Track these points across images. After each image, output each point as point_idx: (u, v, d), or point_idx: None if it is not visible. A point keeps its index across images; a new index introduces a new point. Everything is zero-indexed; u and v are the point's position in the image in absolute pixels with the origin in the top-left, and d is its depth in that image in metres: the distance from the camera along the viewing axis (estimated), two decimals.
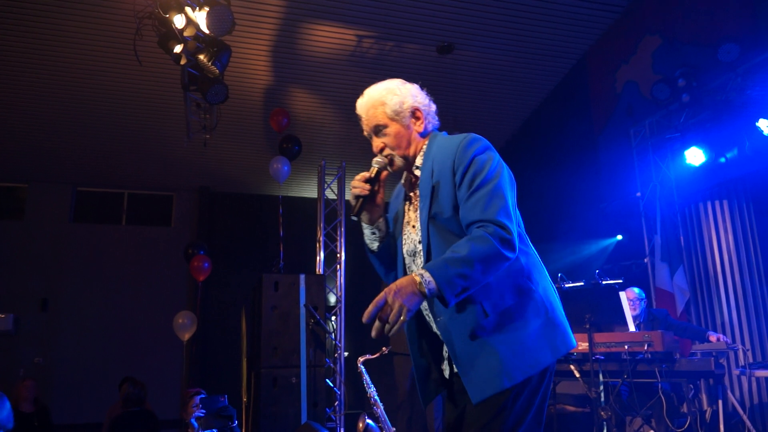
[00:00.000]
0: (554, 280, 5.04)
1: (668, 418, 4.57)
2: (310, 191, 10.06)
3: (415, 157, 1.95)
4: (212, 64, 4.80)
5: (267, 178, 8.06)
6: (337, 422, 6.82)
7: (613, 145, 7.17)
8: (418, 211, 1.87)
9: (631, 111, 6.85)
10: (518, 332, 1.71)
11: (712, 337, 5.04)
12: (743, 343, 5.72)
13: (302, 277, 6.10)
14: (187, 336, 8.17)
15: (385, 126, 1.94)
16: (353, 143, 8.85)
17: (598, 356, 4.52)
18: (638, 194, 6.67)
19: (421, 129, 1.96)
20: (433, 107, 2.03)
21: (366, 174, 1.91)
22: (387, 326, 1.65)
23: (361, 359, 5.47)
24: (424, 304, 1.86)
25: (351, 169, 9.00)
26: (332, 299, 7.71)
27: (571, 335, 1.81)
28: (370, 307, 1.67)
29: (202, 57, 4.80)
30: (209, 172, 9.70)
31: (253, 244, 10.04)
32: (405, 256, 1.94)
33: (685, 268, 6.19)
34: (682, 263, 6.18)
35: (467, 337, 1.70)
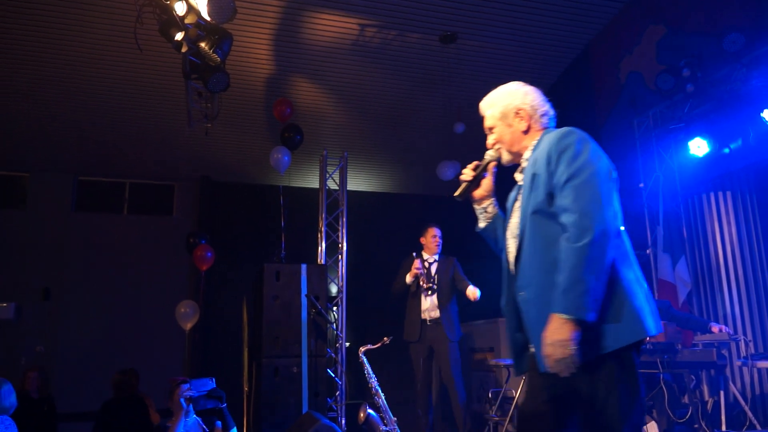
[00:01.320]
0: None
1: (670, 409, 4.58)
2: (312, 181, 10.04)
3: (523, 151, 2.19)
4: (213, 52, 4.77)
5: (269, 167, 8.03)
6: (339, 412, 6.84)
7: (616, 136, 7.13)
8: (520, 200, 2.10)
9: (635, 101, 6.81)
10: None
11: (714, 328, 5.03)
12: (745, 334, 5.71)
13: (304, 267, 6.09)
14: (189, 325, 8.18)
15: (493, 126, 2.24)
16: (355, 133, 8.82)
17: None
18: (641, 185, 6.65)
19: (524, 127, 2.18)
20: (545, 108, 2.24)
21: (477, 162, 2.25)
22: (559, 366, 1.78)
23: (362, 349, 5.48)
24: (507, 276, 2.11)
25: (353, 159, 9.00)
26: (334, 289, 7.71)
27: (649, 323, 1.84)
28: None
29: (203, 45, 4.76)
30: (210, 161, 9.68)
31: (255, 233, 10.03)
32: (508, 238, 2.15)
33: (687, 259, 6.18)
34: (684, 254, 6.17)
35: (542, 312, 1.83)
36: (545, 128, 2.21)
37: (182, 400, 3.82)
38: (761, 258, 5.84)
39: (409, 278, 5.99)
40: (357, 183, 10.58)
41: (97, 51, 6.88)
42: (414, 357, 5.82)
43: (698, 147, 6.04)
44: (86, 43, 6.75)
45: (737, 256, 5.97)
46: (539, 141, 2.14)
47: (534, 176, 1.99)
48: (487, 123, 2.27)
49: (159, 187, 10.48)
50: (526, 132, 2.19)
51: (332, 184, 7.59)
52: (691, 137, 6.07)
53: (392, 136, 9.04)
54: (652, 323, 1.85)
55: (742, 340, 5.44)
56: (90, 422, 6.11)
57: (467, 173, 2.25)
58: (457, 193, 2.27)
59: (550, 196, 1.92)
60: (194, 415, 3.88)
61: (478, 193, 2.30)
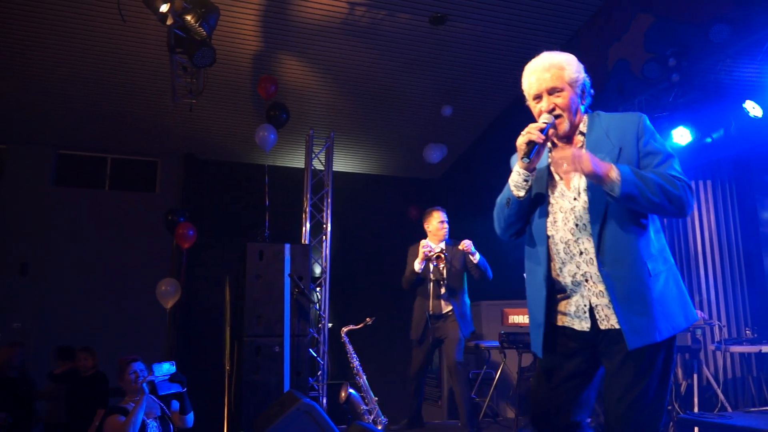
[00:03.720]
0: None
1: None
2: (298, 161, 9.99)
3: (577, 126, 2.17)
4: (200, 26, 4.70)
5: (254, 146, 7.98)
6: (320, 391, 6.88)
7: None
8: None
9: (622, 89, 6.85)
10: (669, 298, 2.01)
11: None
12: (720, 320, 5.85)
13: (287, 246, 6.08)
14: (170, 303, 8.14)
15: (561, 90, 2.13)
16: (342, 113, 8.78)
17: None
18: None
19: (584, 104, 2.19)
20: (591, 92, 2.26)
21: (540, 125, 2.07)
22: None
23: (344, 330, 5.52)
24: (568, 251, 2.09)
25: (339, 139, 8.96)
26: (317, 270, 7.72)
27: (693, 308, 2.13)
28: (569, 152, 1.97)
29: (189, 18, 4.68)
30: (195, 138, 9.58)
31: (239, 212, 9.98)
32: (556, 212, 2.14)
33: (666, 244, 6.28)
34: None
35: (633, 288, 1.95)
36: (587, 112, 2.23)
37: (144, 385, 3.80)
38: (738, 246, 5.96)
39: (418, 265, 5.23)
40: (343, 164, 10.56)
41: (79, 21, 6.74)
42: (415, 352, 5.31)
43: (681, 136, 6.10)
44: (67, 13, 6.61)
45: (715, 243, 6.08)
46: (592, 118, 2.19)
47: (620, 150, 2.04)
48: (553, 83, 2.14)
49: (142, 163, 10.36)
50: (580, 111, 2.19)
51: (318, 164, 7.57)
52: (675, 126, 6.14)
53: (379, 117, 9.01)
54: (694, 310, 2.14)
55: (717, 326, 5.56)
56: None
57: (537, 134, 2.04)
58: (524, 155, 2.04)
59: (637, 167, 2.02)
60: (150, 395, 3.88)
61: (535, 160, 2.14)
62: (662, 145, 2.06)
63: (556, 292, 2.13)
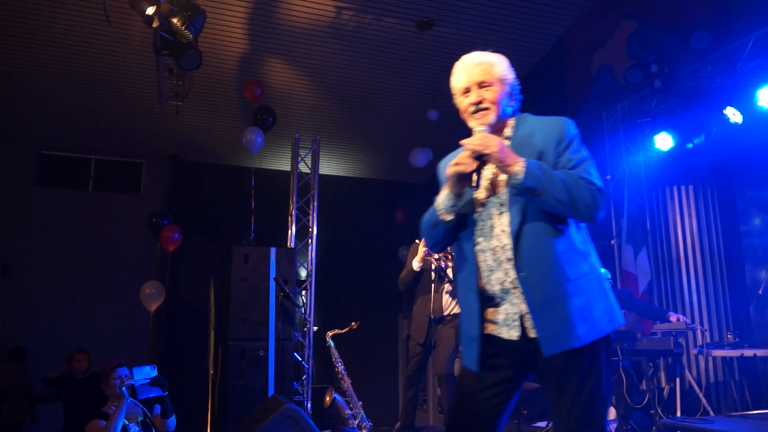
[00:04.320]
0: None
1: (627, 395, 4.71)
2: (284, 164, 9.97)
3: (503, 129, 2.13)
4: (186, 29, 4.68)
5: (240, 148, 7.96)
6: (305, 396, 6.87)
7: (585, 128, 7.21)
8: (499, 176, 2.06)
9: (605, 95, 6.93)
10: (590, 304, 1.95)
11: (672, 318, 5.19)
12: (702, 324, 5.91)
13: (273, 250, 6.06)
14: (154, 306, 8.09)
15: (491, 84, 2.09)
16: (329, 117, 8.78)
17: None
18: (608, 177, 6.78)
19: (513, 105, 2.16)
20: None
21: (476, 146, 1.96)
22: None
23: (329, 334, 5.51)
24: (496, 258, 2.02)
25: (326, 142, 8.96)
26: (303, 273, 7.71)
27: (621, 314, 2.07)
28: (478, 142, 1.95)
29: (175, 20, 4.66)
30: (180, 140, 9.53)
31: (224, 215, 9.93)
32: (484, 220, 2.08)
33: (649, 250, 6.35)
34: (646, 245, 6.33)
35: (549, 293, 1.92)
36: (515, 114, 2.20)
37: (124, 389, 3.77)
38: (719, 251, 6.03)
39: (417, 263, 4.99)
40: (329, 167, 10.55)
41: (64, 21, 6.69)
42: (414, 350, 5.15)
43: (663, 141, 6.18)
44: (52, 12, 6.56)
45: (697, 248, 6.15)
46: (519, 120, 2.15)
47: (541, 154, 2.02)
48: (483, 76, 2.09)
49: (126, 164, 10.28)
50: (508, 113, 2.15)
51: (304, 168, 7.56)
52: (657, 132, 6.21)
53: (365, 121, 9.02)
54: (622, 314, 2.08)
55: (699, 330, 5.62)
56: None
57: (465, 163, 1.98)
58: (473, 184, 1.99)
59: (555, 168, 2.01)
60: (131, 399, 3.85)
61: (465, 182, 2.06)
62: (580, 149, 2.05)
63: (485, 301, 2.08)
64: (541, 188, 1.88)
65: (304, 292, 7.25)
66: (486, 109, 2.07)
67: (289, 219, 7.31)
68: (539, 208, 1.96)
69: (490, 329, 2.05)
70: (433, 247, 2.24)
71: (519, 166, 1.89)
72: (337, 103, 8.45)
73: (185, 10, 4.70)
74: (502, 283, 2.01)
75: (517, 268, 1.96)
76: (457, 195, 2.07)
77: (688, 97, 5.86)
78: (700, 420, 4.51)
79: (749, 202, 5.86)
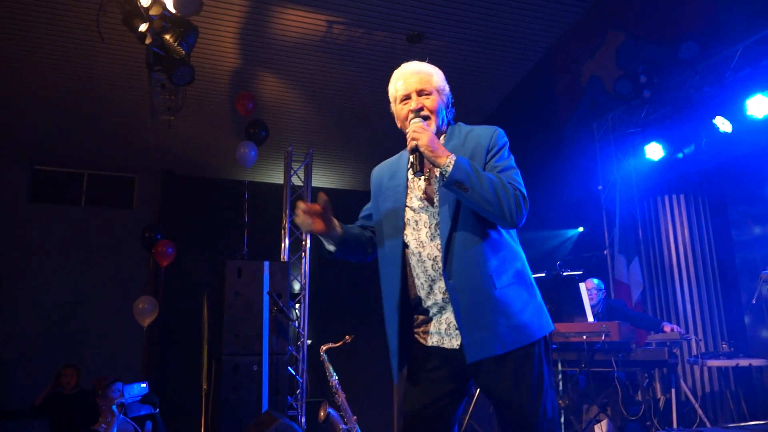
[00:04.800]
0: None
1: (623, 407, 4.71)
2: (277, 177, 9.96)
3: (439, 137, 2.09)
4: (179, 45, 4.69)
5: (232, 162, 7.95)
6: (299, 410, 6.82)
7: (577, 138, 7.29)
8: (434, 186, 2.06)
9: (595, 105, 6.97)
10: (517, 310, 1.95)
11: (666, 328, 5.19)
12: (696, 334, 5.90)
13: (266, 264, 6.04)
14: (147, 321, 8.04)
15: (430, 93, 2.11)
16: (321, 130, 8.80)
17: (557, 345, 4.62)
18: (600, 187, 6.81)
19: (448, 117, 2.18)
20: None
21: (416, 126, 2.00)
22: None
23: (323, 348, 5.48)
24: (437, 267, 1.99)
25: (318, 155, 8.96)
26: (296, 287, 7.69)
27: (551, 320, 2.09)
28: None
29: (168, 37, 4.67)
30: (173, 154, 9.51)
31: (217, 229, 9.91)
32: (420, 228, 2.05)
33: (641, 260, 6.36)
34: (638, 255, 6.34)
35: (475, 300, 1.92)
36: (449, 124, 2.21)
37: (114, 407, 3.74)
38: (712, 260, 6.04)
39: None
40: (322, 180, 10.55)
41: (57, 37, 6.70)
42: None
43: (654, 151, 6.21)
44: (46, 28, 6.57)
45: (689, 257, 6.16)
46: (452, 130, 2.16)
47: (470, 158, 2.00)
48: (422, 85, 2.11)
49: (119, 179, 10.25)
50: (445, 123, 2.16)
51: (297, 181, 7.57)
52: (648, 141, 6.24)
53: (358, 133, 9.04)
54: (550, 320, 2.09)
55: (693, 340, 5.62)
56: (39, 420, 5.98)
57: (419, 131, 1.98)
58: (416, 171, 1.98)
59: None
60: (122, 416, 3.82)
61: (321, 224, 2.08)
62: (508, 157, 2.07)
63: (422, 312, 2.06)
64: (469, 183, 1.87)
65: (297, 306, 7.23)
66: (426, 117, 2.07)
67: (282, 232, 7.30)
68: (470, 213, 1.96)
69: (431, 340, 2.03)
70: (361, 260, 2.27)
71: (448, 159, 1.89)
72: (329, 116, 8.47)
73: (178, 26, 4.72)
74: (444, 292, 1.99)
75: (447, 274, 1.96)
76: (322, 237, 2.11)
77: (678, 107, 5.90)
78: (696, 431, 4.50)
79: (740, 211, 5.89)
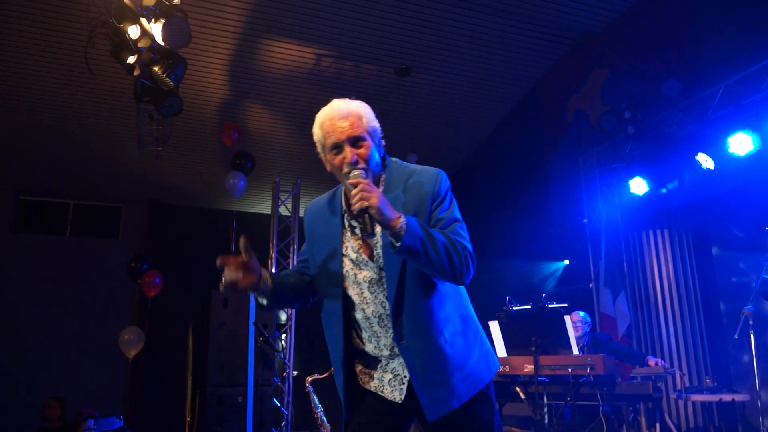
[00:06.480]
0: (502, 303, 5.13)
1: None
2: (264, 207, 9.98)
3: (377, 183, 1.95)
4: (167, 77, 4.73)
5: (219, 192, 7.97)
6: None
7: (562, 172, 7.38)
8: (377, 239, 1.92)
9: (581, 140, 7.08)
10: (467, 358, 1.95)
11: (651, 362, 5.20)
12: (680, 368, 5.92)
13: (252, 294, 6.01)
14: (133, 353, 7.94)
15: (364, 139, 1.90)
16: (309, 161, 8.84)
17: (543, 378, 4.61)
18: (585, 221, 6.87)
19: (381, 154, 1.99)
20: None
21: (358, 180, 1.81)
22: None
23: (309, 379, 5.43)
24: (384, 325, 1.94)
25: (306, 186, 8.99)
26: (283, 317, 7.64)
27: (497, 359, 2.11)
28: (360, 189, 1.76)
29: (156, 69, 4.71)
30: (160, 184, 9.51)
31: (203, 258, 9.78)
32: (360, 283, 1.95)
33: (627, 293, 6.39)
34: (624, 288, 6.38)
35: (430, 360, 1.88)
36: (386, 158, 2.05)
37: None
38: (696, 294, 6.09)
39: None
40: None
41: (44, 67, 6.74)
42: None
43: (638, 186, 6.30)
44: (33, 58, 6.61)
45: (673, 291, 6.21)
46: (392, 177, 1.98)
47: (415, 209, 1.89)
48: (353, 131, 1.88)
49: (105, 209, 10.21)
50: (379, 164, 1.97)
51: (284, 211, 7.58)
52: (632, 176, 6.33)
53: None
54: (497, 359, 2.11)
55: (678, 374, 5.63)
56: None
57: (231, 274, 1.89)
58: (368, 233, 1.80)
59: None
60: None
61: (249, 278, 1.94)
62: (450, 207, 1.94)
63: (368, 361, 2.02)
64: (422, 249, 1.75)
65: (284, 337, 7.17)
66: (363, 169, 1.86)
67: (269, 262, 7.28)
68: (415, 271, 1.86)
69: (374, 386, 2.00)
70: (300, 306, 2.17)
71: (400, 223, 1.73)
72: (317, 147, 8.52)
73: (166, 58, 4.76)
74: (391, 349, 1.94)
75: (397, 336, 1.89)
76: (252, 292, 1.99)
77: (661, 143, 6.01)
78: None
79: (724, 246, 5.97)
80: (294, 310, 7.23)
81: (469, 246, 1.87)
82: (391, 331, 1.91)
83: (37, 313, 9.16)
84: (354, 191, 1.76)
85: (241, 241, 1.92)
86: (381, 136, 1.99)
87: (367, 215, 1.75)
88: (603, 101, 6.78)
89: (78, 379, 8.79)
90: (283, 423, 6.75)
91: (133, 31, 4.58)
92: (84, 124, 7.77)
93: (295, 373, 7.28)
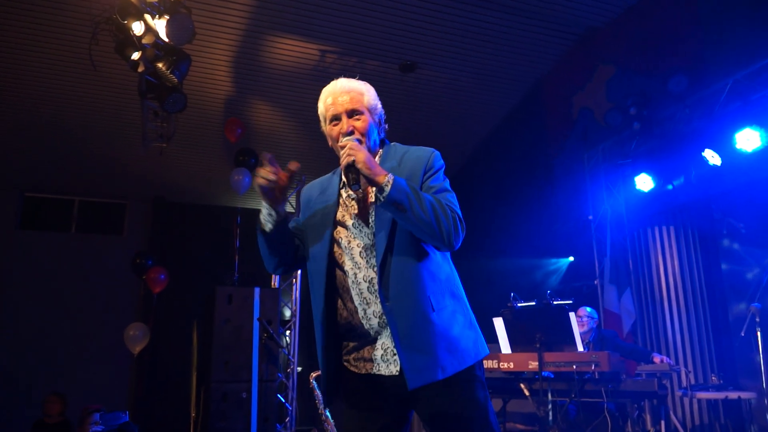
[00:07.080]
0: (507, 299, 5.13)
1: None
2: None
3: (374, 156, 2.05)
4: (171, 73, 4.73)
5: (223, 188, 7.97)
6: None
7: (567, 168, 7.35)
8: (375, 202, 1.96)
9: (586, 136, 7.04)
10: (452, 330, 1.91)
11: (656, 359, 5.18)
12: (686, 365, 5.89)
13: (257, 290, 6.03)
14: (138, 348, 7.96)
15: (361, 113, 2.04)
16: (313, 157, 8.83)
17: (547, 375, 4.60)
18: (590, 217, 6.84)
19: (381, 135, 2.12)
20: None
21: (351, 143, 1.92)
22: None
23: (313, 375, 5.43)
24: (373, 290, 1.92)
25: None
26: (287, 313, 7.64)
27: (485, 343, 2.07)
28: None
29: (160, 65, 4.71)
30: (164, 181, 9.52)
31: (208, 255, 9.87)
32: (353, 248, 1.97)
33: (632, 290, 6.37)
34: (630, 285, 6.35)
35: (414, 324, 1.86)
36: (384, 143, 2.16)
37: None
38: (702, 291, 6.06)
39: None
40: None
41: (49, 64, 6.74)
42: None
43: (644, 182, 6.26)
44: (38, 55, 6.61)
45: (680, 288, 6.18)
46: (387, 150, 2.11)
47: (407, 180, 1.94)
48: (353, 105, 2.03)
49: (109, 206, 10.23)
50: (377, 142, 2.10)
51: (289, 208, 7.57)
52: (638, 173, 6.30)
53: None
54: (486, 346, 2.07)
55: (683, 371, 5.61)
56: None
57: (266, 175, 1.96)
58: (351, 184, 1.87)
59: None
60: None
61: (280, 193, 2.00)
62: (443, 180, 2.02)
63: (354, 338, 1.98)
64: (408, 203, 1.81)
65: (288, 333, 7.18)
66: (358, 140, 1.98)
67: None
68: (406, 235, 1.90)
69: (368, 368, 1.95)
70: (267, 265, 2.14)
71: (386, 178, 1.83)
72: (321, 144, 8.44)
73: (171, 55, 4.76)
74: (380, 317, 1.91)
75: (383, 297, 1.88)
76: (275, 208, 2.01)
77: (667, 139, 5.97)
78: None
79: (730, 243, 5.93)
80: (298, 307, 7.24)
81: (458, 210, 1.91)
82: (379, 297, 1.89)
83: (43, 309, 9.20)
84: (343, 151, 1.88)
85: (265, 156, 2.03)
86: (383, 118, 2.13)
87: (353, 170, 1.84)
88: (608, 97, 6.74)
89: (83, 375, 8.83)
90: (288, 419, 6.77)
91: (137, 28, 4.58)
92: (88, 121, 7.78)
93: (300, 369, 7.29)
